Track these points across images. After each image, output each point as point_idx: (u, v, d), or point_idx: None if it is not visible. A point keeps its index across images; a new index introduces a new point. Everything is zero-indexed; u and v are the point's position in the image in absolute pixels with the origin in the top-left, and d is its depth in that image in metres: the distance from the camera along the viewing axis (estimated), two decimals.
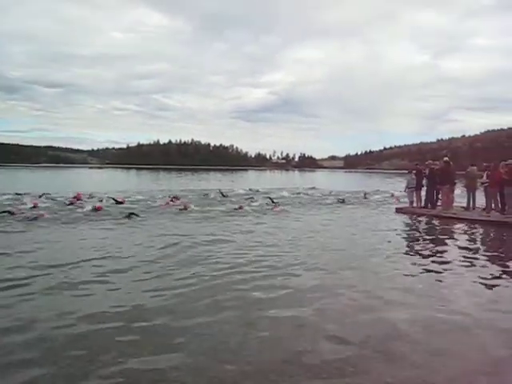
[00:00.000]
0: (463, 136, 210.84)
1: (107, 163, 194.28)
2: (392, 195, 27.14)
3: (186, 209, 18.10)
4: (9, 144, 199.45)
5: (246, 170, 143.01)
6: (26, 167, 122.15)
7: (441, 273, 8.17)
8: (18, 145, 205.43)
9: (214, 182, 52.71)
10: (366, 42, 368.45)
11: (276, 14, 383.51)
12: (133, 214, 16.12)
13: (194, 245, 10.66)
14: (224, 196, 25.14)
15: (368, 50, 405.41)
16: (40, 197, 21.95)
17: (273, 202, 21.01)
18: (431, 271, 8.31)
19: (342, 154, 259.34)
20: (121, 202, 19.79)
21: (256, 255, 9.46)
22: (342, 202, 22.95)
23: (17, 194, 23.32)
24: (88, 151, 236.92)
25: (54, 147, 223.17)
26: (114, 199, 20.18)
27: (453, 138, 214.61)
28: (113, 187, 32.11)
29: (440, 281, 7.66)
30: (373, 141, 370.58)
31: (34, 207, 17.55)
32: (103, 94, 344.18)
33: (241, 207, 18.72)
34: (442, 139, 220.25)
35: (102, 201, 20.26)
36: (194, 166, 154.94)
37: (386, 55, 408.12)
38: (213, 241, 11.27)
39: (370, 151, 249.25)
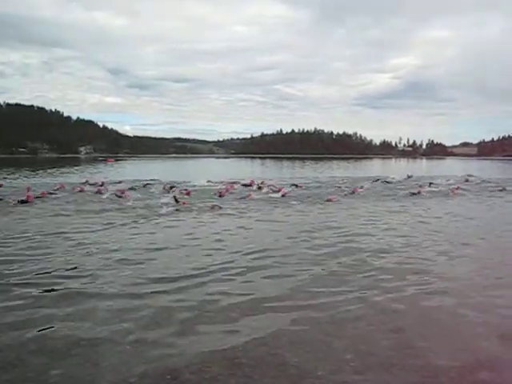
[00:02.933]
0: None
1: (232, 153, 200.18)
2: None
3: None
4: (143, 137, 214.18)
5: (370, 158, 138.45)
6: (158, 157, 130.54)
7: None
8: (150, 137, 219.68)
9: (352, 170, 52.46)
10: (506, 14, 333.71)
11: None
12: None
13: None
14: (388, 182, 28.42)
15: (508, 23, 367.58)
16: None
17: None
18: None
19: (475, 141, 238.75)
20: (300, 186, 24.61)
21: None
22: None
23: (209, 181, 27.21)
24: (214, 142, 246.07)
25: (182, 139, 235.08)
26: (294, 185, 24.81)
27: None
28: (267, 175, 35.56)
29: None
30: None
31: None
32: (227, 86, 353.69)
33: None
34: None
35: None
36: (317, 154, 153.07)
37: None
38: None
39: (509, 136, 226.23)
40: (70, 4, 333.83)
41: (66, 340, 5.05)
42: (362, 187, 23.65)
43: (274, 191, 20.98)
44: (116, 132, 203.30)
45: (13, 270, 7.66)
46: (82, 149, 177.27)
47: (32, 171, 44.68)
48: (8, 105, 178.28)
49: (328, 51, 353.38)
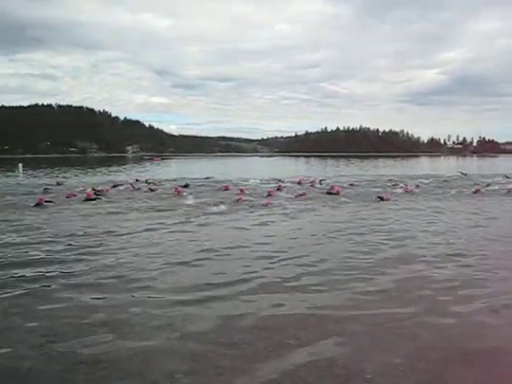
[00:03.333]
0: None
1: (276, 151, 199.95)
2: None
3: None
4: (188, 136, 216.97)
5: (417, 156, 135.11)
6: (203, 156, 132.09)
7: None
8: (194, 136, 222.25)
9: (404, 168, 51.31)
10: None
11: None
12: None
13: None
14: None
15: None
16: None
17: None
18: None
19: None
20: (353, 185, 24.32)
21: None
22: None
23: (259, 179, 27.36)
24: (258, 140, 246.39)
25: (227, 137, 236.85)
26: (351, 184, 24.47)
27: None
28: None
29: None
30: None
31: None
32: (272, 85, 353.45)
33: None
34: None
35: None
36: (362, 152, 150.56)
37: None
38: None
39: None
40: (116, 7, 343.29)
41: (114, 352, 4.67)
42: (417, 186, 22.63)
43: (329, 191, 20.26)
44: (162, 131, 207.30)
45: (60, 271, 7.43)
46: (129, 148, 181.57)
47: (82, 170, 45.85)
48: (59, 106, 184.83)
49: (372, 47, 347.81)
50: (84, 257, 8.42)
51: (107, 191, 20.13)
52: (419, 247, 9.31)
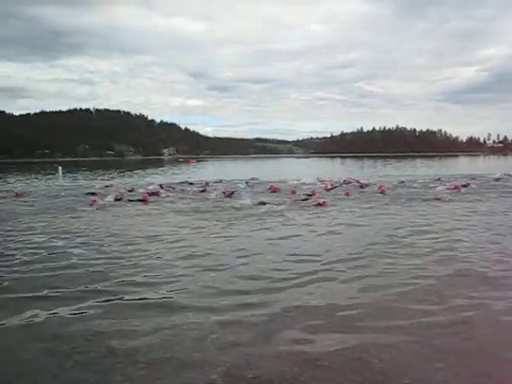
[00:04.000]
0: None
1: (312, 152, 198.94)
2: None
3: None
4: (223, 138, 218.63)
5: (456, 156, 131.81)
6: (239, 158, 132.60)
7: None
8: (230, 138, 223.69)
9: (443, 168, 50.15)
10: None
11: None
12: None
13: None
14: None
15: None
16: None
17: None
18: None
19: None
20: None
21: None
22: None
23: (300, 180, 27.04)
24: (293, 141, 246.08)
25: (262, 139, 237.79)
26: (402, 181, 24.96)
27: None
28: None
29: None
30: None
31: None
32: (306, 85, 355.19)
33: None
34: None
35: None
36: (399, 153, 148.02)
37: None
38: None
39: None
40: (151, 12, 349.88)
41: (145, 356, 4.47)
42: (465, 185, 21.54)
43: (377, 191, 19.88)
44: (197, 134, 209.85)
45: (91, 275, 7.29)
46: (165, 151, 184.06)
47: (121, 172, 46.46)
48: (97, 110, 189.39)
49: (408, 46, 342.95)
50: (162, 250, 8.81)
51: (159, 193, 19.87)
52: None
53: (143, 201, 17.32)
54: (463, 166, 63.99)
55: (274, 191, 20.53)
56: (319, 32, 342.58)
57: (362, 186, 21.98)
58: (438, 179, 26.42)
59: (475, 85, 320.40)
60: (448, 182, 24.23)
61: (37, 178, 36.90)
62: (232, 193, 19.31)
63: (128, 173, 46.03)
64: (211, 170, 54.34)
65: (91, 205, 16.22)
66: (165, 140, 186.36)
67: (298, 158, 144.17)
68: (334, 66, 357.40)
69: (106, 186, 24.70)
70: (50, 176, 39.46)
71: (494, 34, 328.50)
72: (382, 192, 19.29)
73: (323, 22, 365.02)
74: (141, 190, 20.95)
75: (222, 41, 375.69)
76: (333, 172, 41.97)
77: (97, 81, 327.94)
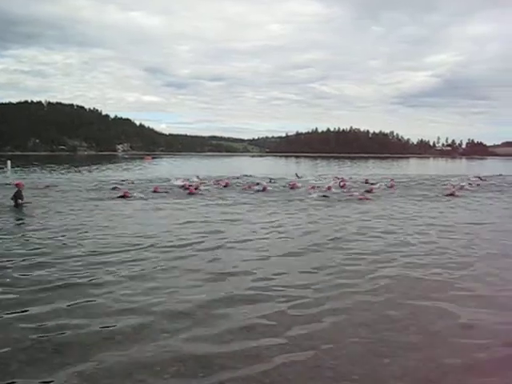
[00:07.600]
0: None
1: (267, 151, 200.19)
2: None
3: None
4: (178, 135, 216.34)
5: (407, 157, 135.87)
6: (194, 155, 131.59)
7: None
8: (185, 135, 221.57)
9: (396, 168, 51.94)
10: None
11: None
12: None
13: None
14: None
15: None
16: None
17: None
18: None
19: None
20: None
21: None
22: None
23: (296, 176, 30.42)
24: (249, 140, 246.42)
25: (218, 137, 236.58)
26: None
27: None
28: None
29: None
30: None
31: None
32: (263, 85, 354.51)
33: None
34: None
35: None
36: (352, 153, 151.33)
37: None
38: None
39: None
40: (107, 5, 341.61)
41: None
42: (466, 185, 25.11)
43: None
44: (152, 130, 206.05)
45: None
46: (119, 146, 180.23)
47: (76, 167, 45.11)
48: (49, 104, 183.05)
49: (363, 49, 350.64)
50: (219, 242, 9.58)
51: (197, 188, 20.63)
52: None
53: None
54: (413, 167, 66.27)
55: (292, 188, 22.18)
56: (277, 32, 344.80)
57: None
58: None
59: (427, 89, 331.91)
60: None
61: None
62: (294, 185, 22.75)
63: (86, 167, 44.87)
64: (170, 167, 53.24)
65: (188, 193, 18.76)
66: (119, 136, 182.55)
67: (253, 156, 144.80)
68: (291, 66, 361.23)
69: (123, 181, 25.15)
70: None
71: (445, 40, 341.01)
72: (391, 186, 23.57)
73: (283, 22, 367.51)
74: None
75: (180, 37, 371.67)
76: (288, 170, 42.82)
77: (50, 73, 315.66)
